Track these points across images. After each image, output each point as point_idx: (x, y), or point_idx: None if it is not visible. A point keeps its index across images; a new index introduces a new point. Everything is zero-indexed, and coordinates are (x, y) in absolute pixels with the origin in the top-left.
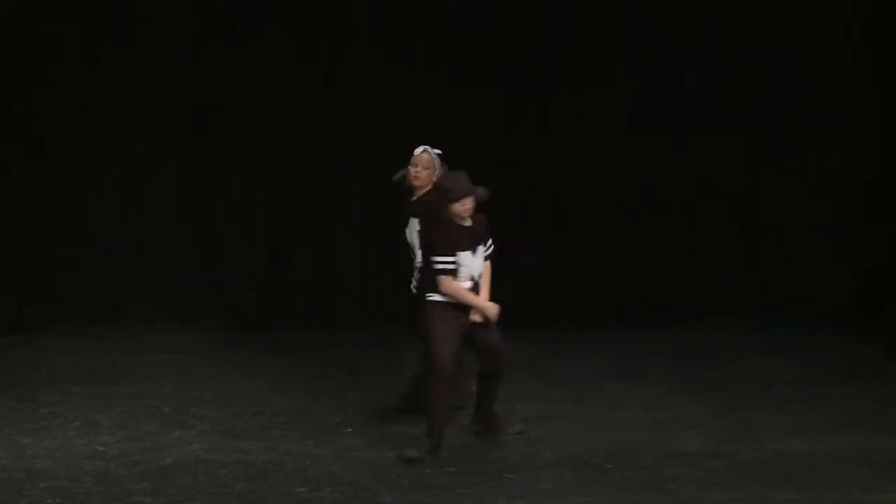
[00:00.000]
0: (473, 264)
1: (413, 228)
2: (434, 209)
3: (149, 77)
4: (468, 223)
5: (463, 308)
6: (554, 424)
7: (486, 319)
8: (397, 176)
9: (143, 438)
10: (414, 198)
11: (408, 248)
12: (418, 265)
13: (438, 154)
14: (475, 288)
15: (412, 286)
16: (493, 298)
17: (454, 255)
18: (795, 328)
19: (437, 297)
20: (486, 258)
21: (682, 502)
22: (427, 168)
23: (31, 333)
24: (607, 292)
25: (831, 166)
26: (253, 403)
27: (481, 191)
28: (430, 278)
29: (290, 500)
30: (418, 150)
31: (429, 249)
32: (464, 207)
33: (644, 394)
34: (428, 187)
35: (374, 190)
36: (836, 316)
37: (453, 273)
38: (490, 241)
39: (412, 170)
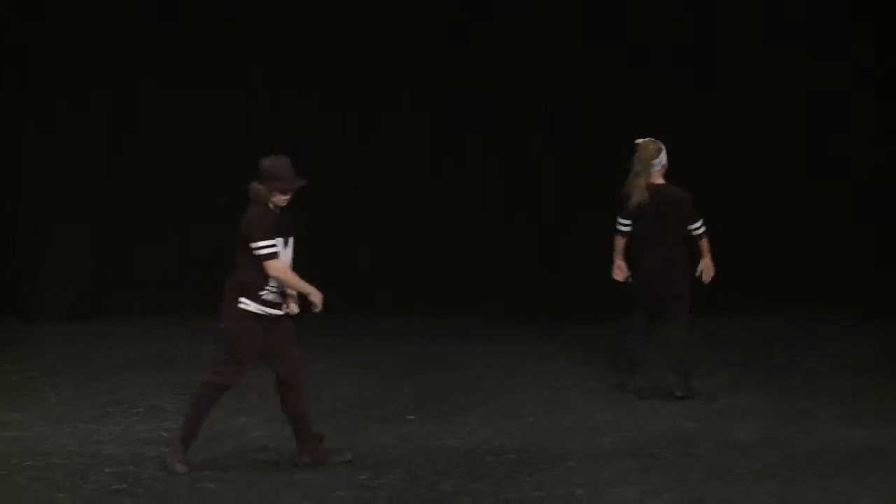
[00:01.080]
0: (285, 255)
1: None
2: (255, 194)
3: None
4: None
5: (267, 319)
6: (612, 414)
7: (288, 336)
8: None
9: (207, 425)
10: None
11: None
12: None
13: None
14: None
15: None
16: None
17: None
18: (843, 321)
19: (247, 306)
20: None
21: (739, 492)
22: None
23: (93, 321)
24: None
25: (876, 161)
26: (314, 391)
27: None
28: (249, 271)
29: (350, 489)
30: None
31: (248, 237)
32: (286, 197)
33: (702, 383)
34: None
35: (431, 178)
36: (883, 308)
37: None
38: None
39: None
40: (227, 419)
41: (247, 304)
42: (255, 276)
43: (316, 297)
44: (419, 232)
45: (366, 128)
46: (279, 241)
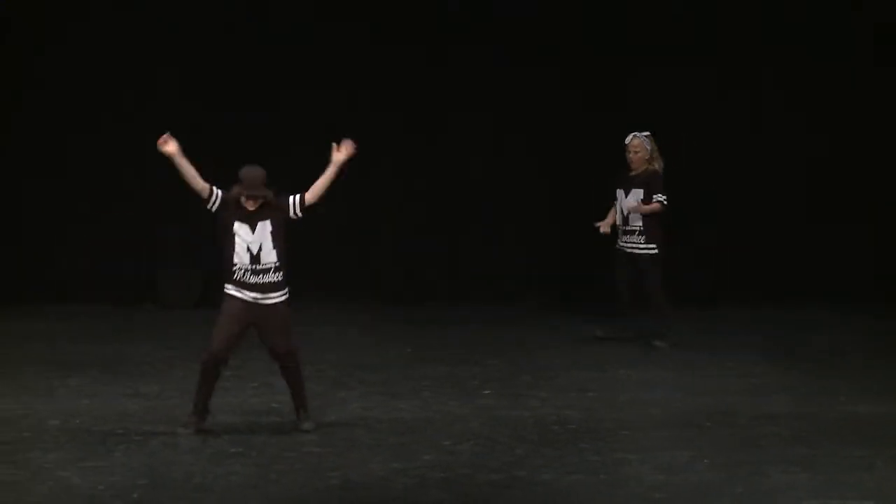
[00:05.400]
0: (248, 239)
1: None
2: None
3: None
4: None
5: (249, 304)
6: (662, 389)
7: (275, 319)
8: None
9: (312, 398)
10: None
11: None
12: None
13: (647, 136)
14: (256, 259)
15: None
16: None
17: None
18: (866, 308)
19: (227, 288)
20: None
21: (773, 456)
22: (637, 152)
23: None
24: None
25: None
26: (403, 369)
27: (272, 198)
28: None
29: (436, 452)
30: (629, 138)
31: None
32: (247, 202)
33: (738, 363)
34: (643, 167)
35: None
36: None
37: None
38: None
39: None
40: (330, 393)
41: None
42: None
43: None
44: (476, 226)
45: (429, 126)
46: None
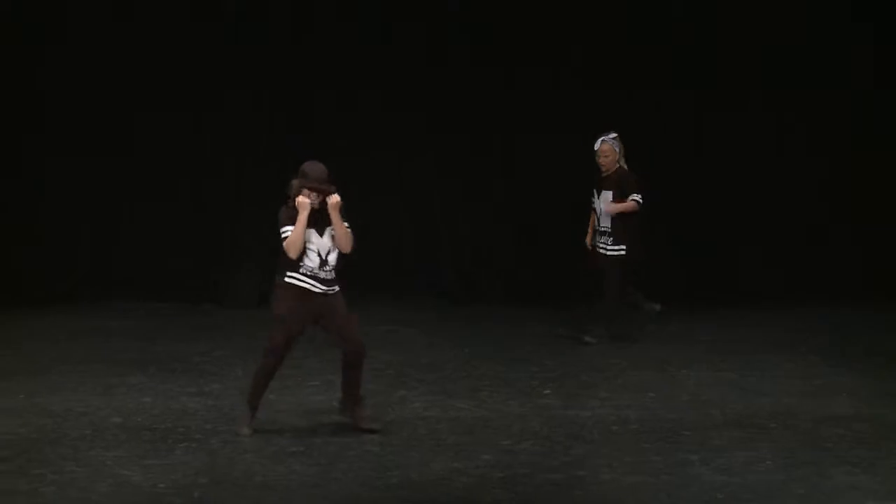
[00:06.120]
0: (321, 242)
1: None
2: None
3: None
4: (316, 206)
5: (311, 295)
6: (722, 389)
7: (339, 311)
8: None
9: (372, 396)
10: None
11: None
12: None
13: (614, 137)
14: (324, 263)
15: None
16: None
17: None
18: None
19: (292, 279)
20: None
21: (835, 458)
22: (608, 156)
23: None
24: (765, 276)
25: None
26: (462, 368)
27: (332, 188)
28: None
29: (495, 452)
30: (597, 143)
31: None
32: (311, 196)
33: (798, 364)
34: (613, 168)
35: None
36: None
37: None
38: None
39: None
40: (389, 391)
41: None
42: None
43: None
44: (538, 227)
45: (491, 127)
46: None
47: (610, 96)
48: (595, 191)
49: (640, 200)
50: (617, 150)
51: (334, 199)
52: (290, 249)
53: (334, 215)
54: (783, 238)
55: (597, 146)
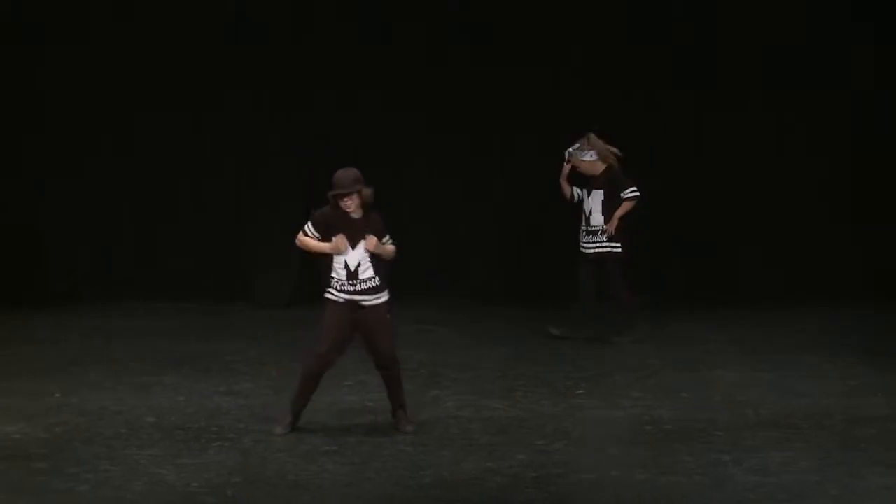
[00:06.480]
0: (350, 255)
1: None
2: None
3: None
4: (356, 216)
5: (341, 305)
6: (756, 390)
7: (377, 321)
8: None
9: (405, 396)
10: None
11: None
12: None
13: (577, 147)
14: (353, 276)
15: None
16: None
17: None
18: None
19: (328, 294)
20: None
21: (868, 458)
22: (580, 165)
23: (309, 307)
24: (799, 277)
25: None
26: (496, 368)
27: (367, 191)
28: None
29: (529, 452)
30: (567, 157)
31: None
32: (345, 202)
33: (833, 364)
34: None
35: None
36: None
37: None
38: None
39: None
40: (422, 392)
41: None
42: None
43: (339, 244)
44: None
45: (534, 131)
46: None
47: (610, 96)
48: (584, 189)
49: (635, 194)
50: (586, 157)
51: (371, 242)
52: (298, 242)
53: (375, 251)
54: (783, 238)
55: (567, 161)
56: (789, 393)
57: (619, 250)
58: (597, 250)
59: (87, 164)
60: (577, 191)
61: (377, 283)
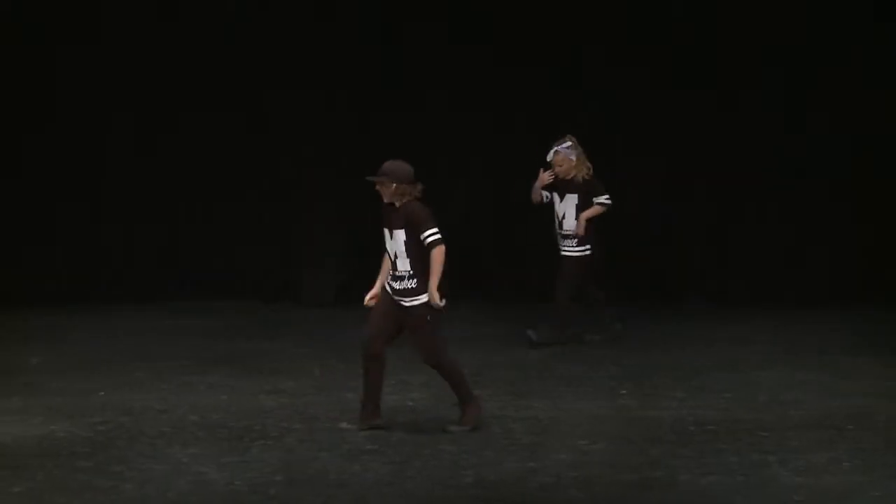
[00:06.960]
0: (389, 244)
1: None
2: None
3: None
4: (396, 204)
5: (396, 300)
6: (800, 390)
7: (417, 326)
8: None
9: (447, 397)
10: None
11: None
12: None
13: (569, 145)
14: (394, 265)
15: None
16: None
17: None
18: None
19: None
20: (431, 246)
21: None
22: (562, 165)
23: (353, 306)
24: (837, 279)
25: None
26: (537, 368)
27: (395, 186)
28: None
29: (571, 452)
30: (550, 155)
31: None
32: (380, 190)
33: (875, 366)
34: (570, 174)
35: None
36: None
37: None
38: (429, 233)
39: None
40: None
41: None
42: None
43: (434, 297)
44: (624, 229)
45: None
46: (385, 231)
47: (610, 96)
48: (555, 193)
49: (608, 201)
50: (573, 157)
51: (435, 300)
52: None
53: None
54: (811, 239)
55: (550, 157)
56: (831, 393)
57: (589, 253)
58: (568, 254)
59: (141, 164)
60: (545, 194)
61: (415, 284)
